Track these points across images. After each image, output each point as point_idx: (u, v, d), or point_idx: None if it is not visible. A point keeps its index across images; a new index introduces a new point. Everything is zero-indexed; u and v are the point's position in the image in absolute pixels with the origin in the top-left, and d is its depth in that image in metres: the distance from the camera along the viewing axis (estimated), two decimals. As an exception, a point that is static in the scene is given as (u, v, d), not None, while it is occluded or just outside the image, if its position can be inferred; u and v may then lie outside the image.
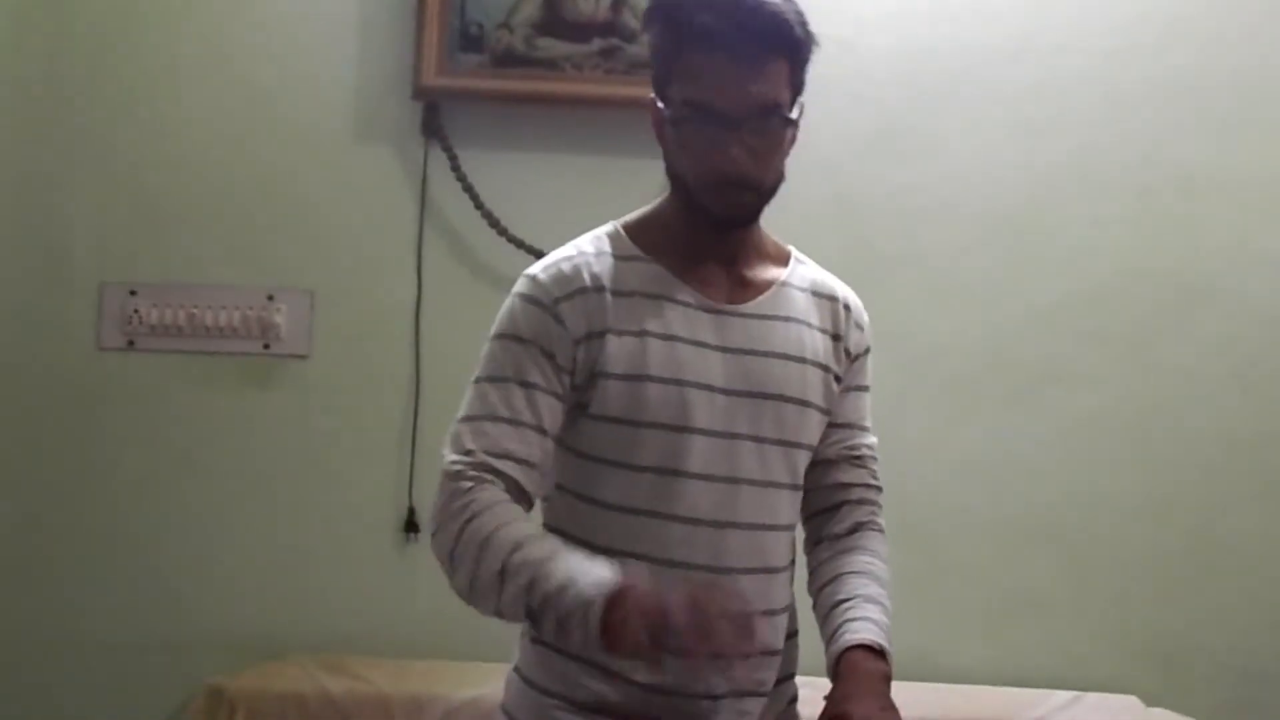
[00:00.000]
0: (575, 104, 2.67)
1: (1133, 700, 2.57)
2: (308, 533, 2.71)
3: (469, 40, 2.69)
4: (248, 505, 2.72)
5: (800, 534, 1.63)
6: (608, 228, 1.58)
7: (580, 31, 2.68)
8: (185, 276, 2.74)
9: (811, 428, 1.56)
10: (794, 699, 1.63)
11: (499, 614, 1.41)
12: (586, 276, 1.51)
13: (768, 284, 1.57)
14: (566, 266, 1.52)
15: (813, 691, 1.64)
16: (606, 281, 1.50)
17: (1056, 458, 2.71)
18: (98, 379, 2.74)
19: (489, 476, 1.44)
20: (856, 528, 1.60)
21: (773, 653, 1.54)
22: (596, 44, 2.67)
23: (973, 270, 2.73)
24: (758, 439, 1.51)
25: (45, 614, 2.72)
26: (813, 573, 1.61)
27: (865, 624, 1.47)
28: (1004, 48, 2.74)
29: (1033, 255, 2.74)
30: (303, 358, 2.74)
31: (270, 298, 2.73)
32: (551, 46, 2.69)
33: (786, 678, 1.60)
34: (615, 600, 1.31)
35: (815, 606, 1.57)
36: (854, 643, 1.45)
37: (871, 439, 1.64)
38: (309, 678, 2.47)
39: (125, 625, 2.70)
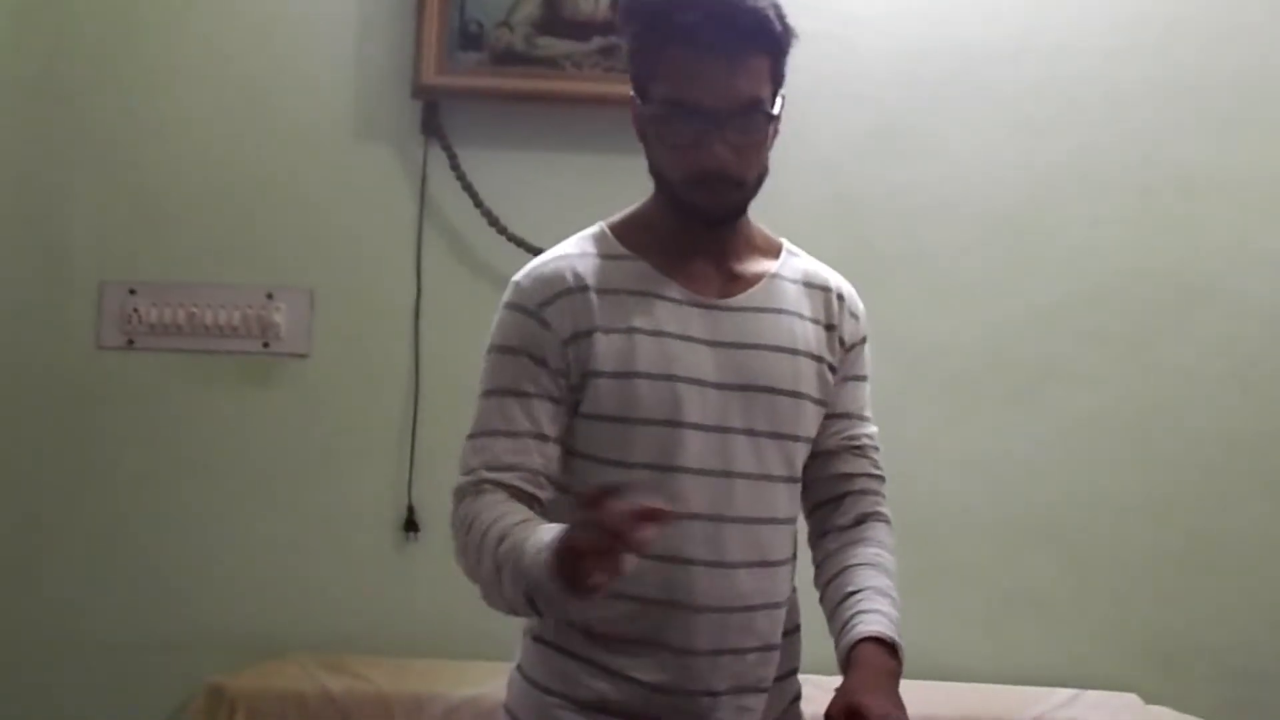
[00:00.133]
0: (575, 102, 2.67)
1: (1132, 698, 2.58)
2: (307, 531, 2.71)
3: (469, 39, 2.69)
4: (247, 504, 2.72)
5: (804, 527, 1.63)
6: (594, 229, 1.59)
7: (580, 30, 2.68)
8: (185, 275, 2.74)
9: (807, 420, 1.56)
10: (797, 697, 1.63)
11: (514, 611, 1.41)
12: (570, 277, 1.51)
13: (757, 277, 1.57)
14: (549, 269, 1.53)
15: (815, 690, 1.64)
16: (591, 281, 1.51)
17: (1057, 457, 2.71)
18: (97, 378, 2.74)
19: (487, 488, 1.47)
20: (862, 519, 1.59)
21: (772, 647, 1.53)
22: (596, 42, 2.67)
23: (973, 270, 2.73)
24: (751, 432, 1.51)
25: (45, 613, 2.72)
26: (819, 566, 1.59)
27: (877, 616, 1.46)
28: (1004, 47, 2.74)
29: (1033, 255, 2.74)
30: (302, 356, 2.74)
31: (270, 296, 2.73)
32: (551, 45, 2.69)
33: (788, 673, 1.59)
34: (556, 561, 1.27)
35: (822, 600, 1.56)
36: (867, 634, 1.44)
37: (872, 428, 1.64)
38: (309, 676, 2.47)
39: (125, 624, 2.70)
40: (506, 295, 1.55)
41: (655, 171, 1.53)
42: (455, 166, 2.70)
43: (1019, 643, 2.68)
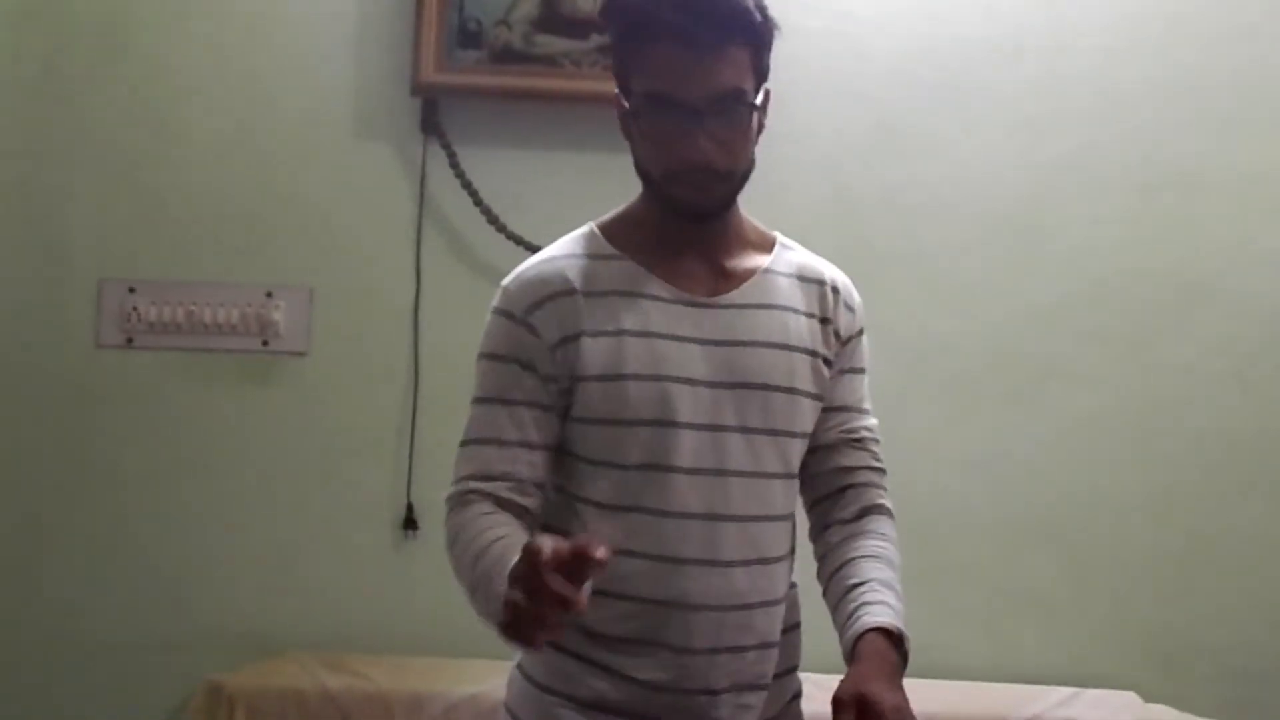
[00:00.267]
0: (574, 100, 2.67)
1: (1131, 696, 2.58)
2: (306, 529, 2.71)
3: (467, 37, 2.68)
4: (246, 502, 2.72)
5: (805, 522, 1.62)
6: (583, 229, 1.59)
7: (578, 28, 2.67)
8: (184, 273, 2.74)
9: (803, 415, 1.55)
10: (797, 695, 1.62)
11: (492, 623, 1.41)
12: (557, 281, 1.51)
13: (749, 273, 1.56)
14: (535, 273, 1.53)
15: (815, 689, 1.64)
16: (579, 283, 1.51)
17: (1056, 456, 2.71)
18: (96, 376, 2.74)
19: (473, 498, 1.48)
20: (864, 512, 1.58)
21: (771, 644, 1.53)
22: (595, 40, 2.67)
23: (972, 269, 2.73)
24: (745, 430, 1.50)
25: (44, 611, 2.72)
26: (822, 559, 1.58)
27: (883, 608, 1.45)
28: (1004, 46, 2.74)
29: (1032, 254, 2.73)
30: (301, 355, 2.74)
31: (269, 295, 2.73)
32: (550, 43, 2.68)
33: (788, 670, 1.59)
34: (516, 568, 1.25)
35: (826, 593, 1.55)
36: (874, 625, 1.43)
37: (871, 420, 1.63)
38: (308, 675, 2.47)
39: (124, 622, 2.70)
40: (495, 300, 1.55)
41: (640, 169, 1.53)
42: (454, 164, 2.70)
43: (1018, 641, 2.68)
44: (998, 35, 2.74)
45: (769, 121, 1.53)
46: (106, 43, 2.75)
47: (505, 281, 1.55)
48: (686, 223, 1.53)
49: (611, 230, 1.57)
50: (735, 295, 1.54)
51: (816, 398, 1.56)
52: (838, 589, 1.52)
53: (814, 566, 1.60)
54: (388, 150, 2.74)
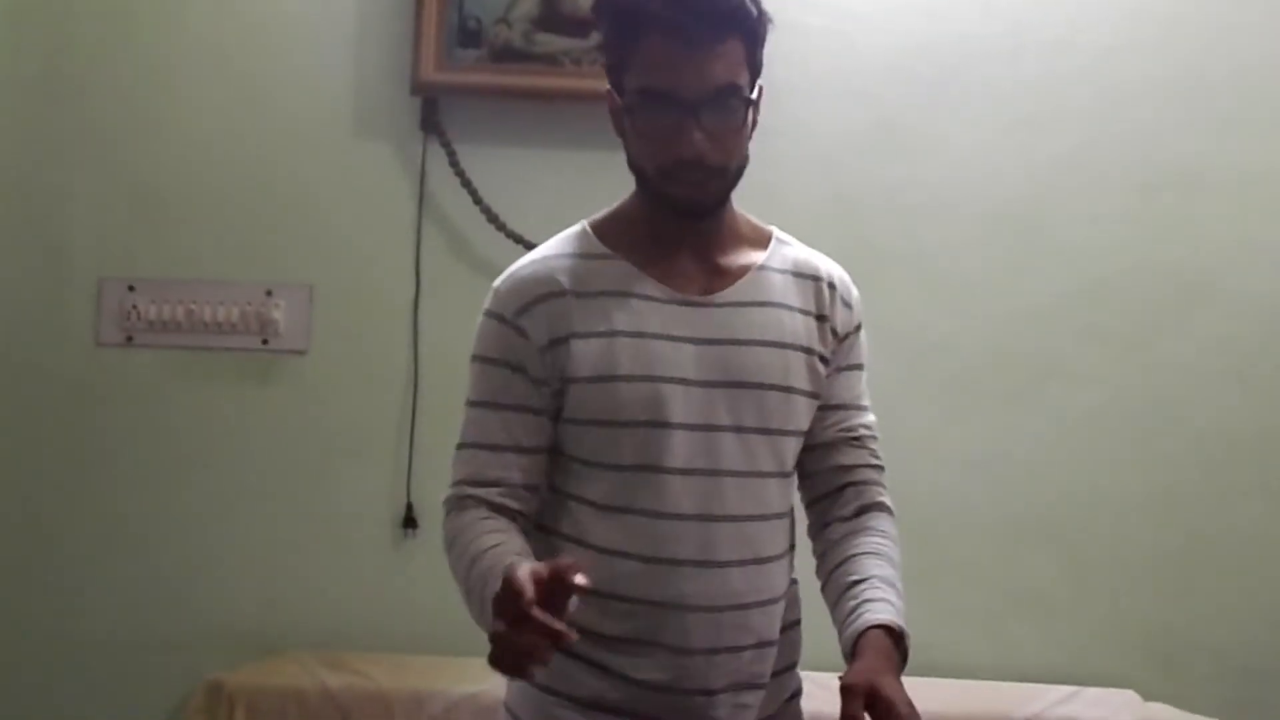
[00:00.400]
0: (574, 99, 2.66)
1: (1131, 695, 2.58)
2: (306, 528, 2.71)
3: (467, 35, 2.68)
4: (246, 501, 2.72)
5: (803, 519, 1.61)
6: (576, 228, 1.58)
7: (578, 26, 2.67)
8: (184, 272, 2.74)
9: (798, 414, 1.54)
10: (796, 693, 1.62)
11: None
12: (548, 282, 1.50)
13: (743, 270, 1.55)
14: (525, 274, 1.52)
15: (815, 687, 1.64)
16: (569, 284, 1.50)
17: (1056, 454, 2.71)
18: (96, 375, 2.74)
19: (468, 503, 1.49)
20: (863, 509, 1.57)
21: (768, 643, 1.52)
22: (595, 39, 2.66)
23: (972, 267, 2.73)
24: (739, 429, 1.49)
25: (44, 610, 2.72)
26: (821, 556, 1.57)
27: (885, 605, 1.44)
28: (1003, 44, 2.74)
29: (1032, 252, 2.73)
30: (301, 353, 2.74)
31: (269, 293, 2.73)
32: (550, 41, 2.68)
33: (786, 668, 1.58)
34: (497, 598, 1.28)
35: (825, 588, 1.54)
36: (877, 622, 1.41)
37: (870, 417, 1.61)
38: (308, 673, 2.48)
39: (124, 621, 2.70)
40: (486, 301, 1.54)
41: (634, 165, 1.51)
42: (454, 163, 2.70)
43: (1018, 640, 2.69)
44: (997, 33, 2.74)
45: (766, 118, 1.52)
46: (106, 41, 2.75)
47: (496, 282, 1.55)
48: (680, 220, 1.51)
49: (604, 229, 1.56)
50: (729, 293, 1.53)
51: (813, 396, 1.55)
52: (838, 585, 1.51)
53: (814, 563, 1.59)
54: (387, 149, 2.74)
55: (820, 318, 1.57)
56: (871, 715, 1.30)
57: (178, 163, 2.75)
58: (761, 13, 1.47)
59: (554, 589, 1.23)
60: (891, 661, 1.38)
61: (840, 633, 1.47)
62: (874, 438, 1.61)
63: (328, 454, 2.72)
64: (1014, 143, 2.73)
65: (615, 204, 1.59)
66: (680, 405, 1.47)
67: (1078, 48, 2.74)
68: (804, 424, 1.55)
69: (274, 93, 2.74)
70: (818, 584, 1.57)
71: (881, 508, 1.58)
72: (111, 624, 2.70)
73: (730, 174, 1.49)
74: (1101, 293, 2.72)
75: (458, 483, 1.52)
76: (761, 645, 1.51)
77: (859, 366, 1.62)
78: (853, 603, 1.46)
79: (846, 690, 1.32)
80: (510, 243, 2.63)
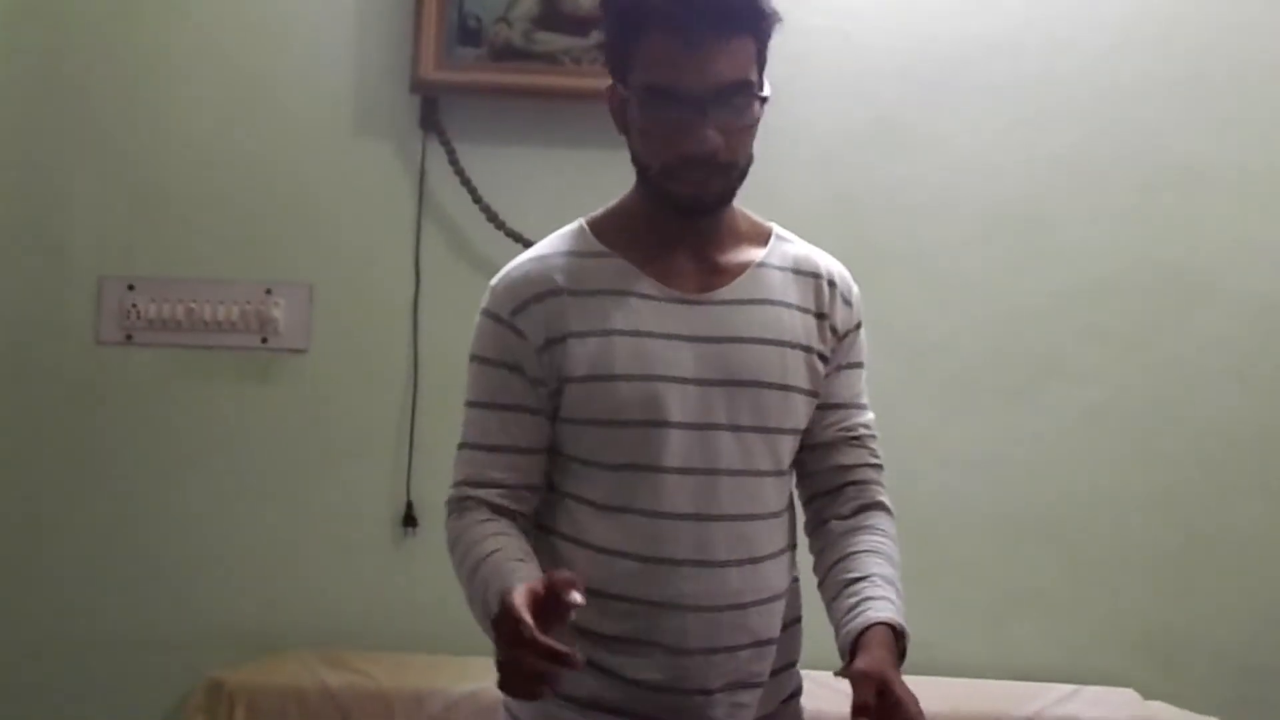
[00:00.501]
0: (573, 98, 2.66)
1: (1131, 694, 2.58)
2: (306, 527, 2.71)
3: (467, 34, 2.68)
4: (246, 499, 2.72)
5: (801, 518, 1.61)
6: (573, 225, 1.57)
7: (578, 25, 2.67)
8: (183, 271, 2.74)
9: (795, 412, 1.53)
10: (796, 692, 1.61)
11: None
12: (544, 281, 1.50)
13: (741, 268, 1.54)
14: (521, 273, 1.52)
15: (815, 686, 1.64)
16: (566, 282, 1.50)
17: (1057, 453, 2.71)
18: (96, 373, 2.74)
19: (470, 504, 1.50)
20: (862, 508, 1.57)
21: (766, 642, 1.52)
22: (595, 37, 2.66)
23: (972, 265, 2.73)
24: (736, 428, 1.49)
25: (44, 608, 2.72)
26: (819, 553, 1.57)
27: (886, 604, 1.44)
28: (1003, 41, 2.73)
29: (1033, 250, 2.73)
30: (301, 352, 2.74)
31: (268, 292, 2.73)
32: (550, 40, 2.68)
33: (785, 667, 1.58)
34: (497, 623, 1.31)
35: (823, 584, 1.54)
36: (880, 619, 1.41)
37: (869, 416, 1.61)
38: (308, 672, 2.48)
39: (124, 620, 2.70)
40: (483, 300, 1.54)
41: (638, 162, 1.51)
42: (454, 161, 2.70)
43: (1018, 638, 2.69)
44: (997, 31, 2.74)
45: (766, 117, 1.51)
46: (105, 38, 2.75)
47: (493, 281, 1.55)
48: (682, 218, 1.51)
49: (601, 226, 1.55)
50: (726, 291, 1.52)
51: (811, 394, 1.55)
52: (837, 581, 1.51)
53: (811, 561, 1.59)
54: (387, 147, 2.74)
55: (820, 315, 1.56)
56: (879, 711, 1.30)
57: (177, 161, 2.75)
58: (772, 9, 1.47)
59: (551, 605, 1.25)
60: (895, 659, 1.38)
61: (838, 628, 1.47)
62: (873, 437, 1.61)
63: (328, 453, 2.72)
64: (1014, 142, 2.73)
65: (613, 201, 1.58)
66: (677, 404, 1.47)
67: (1078, 47, 2.74)
68: (802, 422, 1.55)
69: (274, 91, 2.74)
70: (814, 580, 1.57)
71: (881, 507, 1.58)
72: (111, 622, 2.70)
73: (737, 171, 1.49)
74: (1102, 292, 2.72)
75: (458, 483, 1.53)
76: (759, 644, 1.51)
77: (859, 365, 1.61)
78: (853, 599, 1.46)
79: (862, 676, 1.32)
80: (510, 241, 2.63)
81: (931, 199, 2.73)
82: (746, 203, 1.59)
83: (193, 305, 2.73)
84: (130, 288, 2.73)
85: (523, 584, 1.30)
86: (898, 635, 1.41)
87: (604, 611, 1.46)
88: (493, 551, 1.43)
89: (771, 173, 1.52)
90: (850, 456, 1.58)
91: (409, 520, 2.70)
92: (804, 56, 2.65)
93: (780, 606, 1.54)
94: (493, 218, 2.68)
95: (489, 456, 1.51)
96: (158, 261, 2.74)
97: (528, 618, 1.24)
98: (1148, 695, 2.58)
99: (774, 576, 1.53)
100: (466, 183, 2.70)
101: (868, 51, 2.73)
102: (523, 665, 1.24)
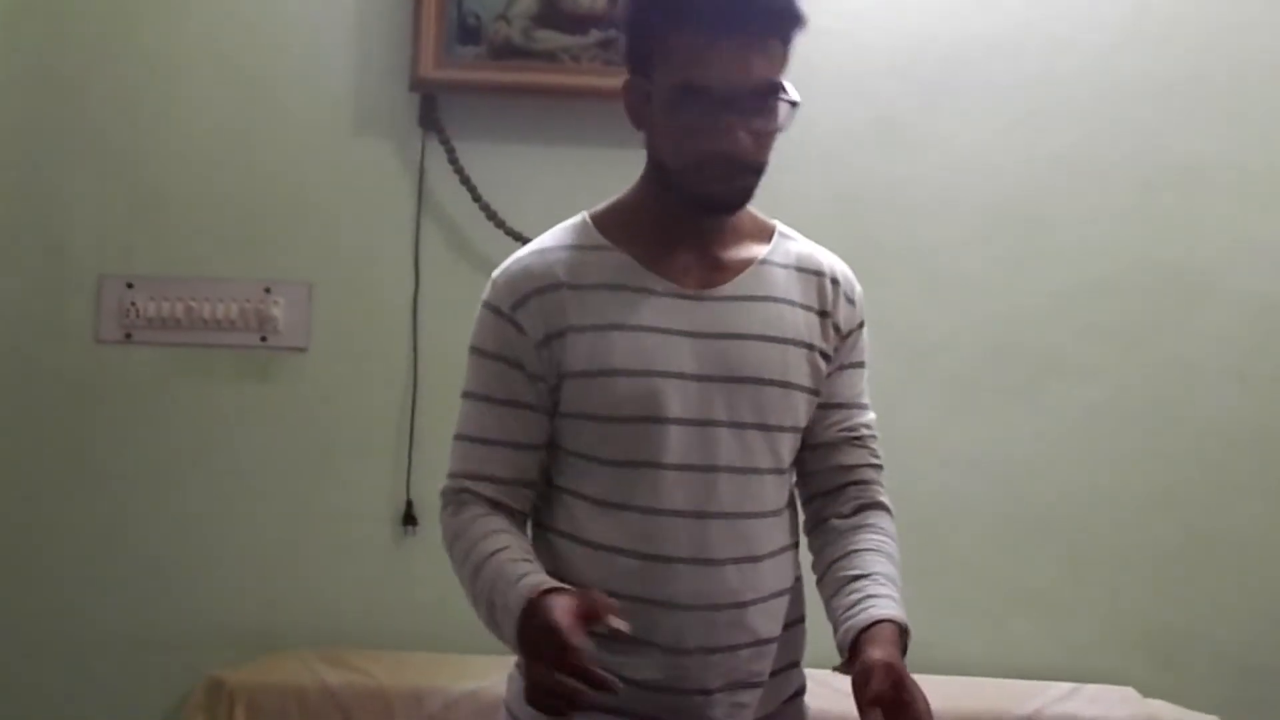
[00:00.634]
0: (573, 96, 2.66)
1: (1130, 692, 2.58)
2: (306, 525, 2.71)
3: (467, 32, 2.68)
4: (246, 498, 2.72)
5: (800, 517, 1.61)
6: (576, 219, 1.56)
7: (578, 23, 2.67)
8: (183, 269, 2.73)
9: (796, 410, 1.52)
10: (800, 691, 1.61)
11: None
12: (545, 275, 1.49)
13: (744, 264, 1.54)
14: (522, 266, 1.52)
15: (814, 684, 1.64)
16: (567, 276, 1.49)
17: (1057, 451, 2.72)
18: (95, 372, 2.73)
19: (467, 498, 1.50)
20: (863, 508, 1.56)
21: (766, 641, 1.51)
22: (594, 36, 2.67)
23: (972, 264, 2.73)
24: (736, 425, 1.48)
25: (43, 608, 2.72)
26: (819, 551, 1.57)
27: (889, 602, 1.44)
28: (1003, 40, 2.73)
29: (1033, 249, 2.73)
30: (301, 350, 2.74)
31: (268, 290, 2.73)
32: (549, 38, 2.68)
33: (788, 666, 1.57)
34: (525, 617, 1.33)
35: (822, 581, 1.53)
36: (885, 616, 1.41)
37: (870, 416, 1.61)
38: (308, 670, 2.48)
39: (124, 619, 2.70)
40: (485, 292, 1.54)
41: (657, 158, 1.49)
42: (453, 160, 2.70)
43: (1018, 637, 2.69)
44: (997, 29, 2.74)
45: None
46: (104, 37, 2.74)
47: (494, 274, 1.54)
48: (699, 216, 1.50)
49: (604, 220, 1.55)
50: (729, 287, 1.52)
51: (812, 392, 1.54)
52: (838, 579, 1.50)
53: (811, 560, 1.59)
54: (387, 146, 2.74)
55: (823, 313, 1.56)
56: (889, 706, 1.31)
57: (177, 160, 2.74)
58: (803, 12, 1.46)
59: (585, 623, 1.27)
60: (901, 657, 1.39)
61: (838, 623, 1.46)
62: (874, 437, 1.60)
63: (327, 451, 2.72)
64: (1014, 140, 2.73)
65: (617, 195, 1.57)
66: (677, 400, 1.46)
67: (1078, 46, 2.73)
68: (802, 420, 1.54)
69: (273, 90, 2.74)
70: (813, 577, 1.57)
71: (881, 507, 1.58)
72: (111, 621, 2.70)
73: (760, 173, 1.48)
74: (1102, 290, 2.72)
75: (454, 475, 1.52)
76: (759, 643, 1.50)
77: (860, 365, 1.61)
78: (855, 595, 1.46)
79: (884, 667, 1.32)
80: (509, 240, 2.63)
81: (932, 198, 2.73)
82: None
83: (192, 304, 2.72)
84: (129, 286, 2.73)
85: (562, 598, 1.31)
86: (901, 634, 1.41)
87: None
88: (497, 550, 1.43)
89: (772, 171, 1.51)
90: (852, 456, 1.58)
91: (409, 519, 2.70)
92: (806, 56, 2.62)
93: (782, 605, 1.53)
94: (492, 216, 2.68)
95: (486, 450, 1.50)
96: (157, 260, 2.74)
97: (578, 642, 1.25)
98: (1147, 694, 2.58)
99: (774, 575, 1.52)
100: (466, 181, 2.69)
101: (868, 51, 2.73)
102: (561, 686, 1.24)
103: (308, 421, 2.72)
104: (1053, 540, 2.71)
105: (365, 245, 2.74)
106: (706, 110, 1.42)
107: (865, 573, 1.48)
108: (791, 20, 1.45)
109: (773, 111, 1.45)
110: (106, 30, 2.74)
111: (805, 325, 1.54)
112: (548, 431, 1.52)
